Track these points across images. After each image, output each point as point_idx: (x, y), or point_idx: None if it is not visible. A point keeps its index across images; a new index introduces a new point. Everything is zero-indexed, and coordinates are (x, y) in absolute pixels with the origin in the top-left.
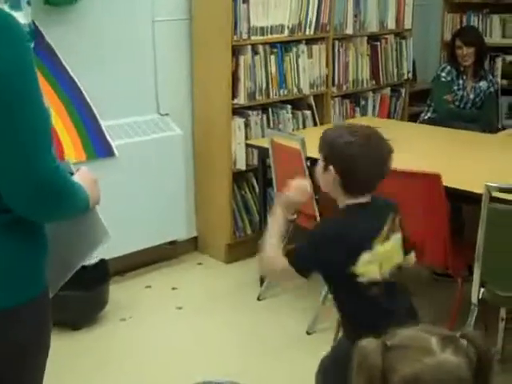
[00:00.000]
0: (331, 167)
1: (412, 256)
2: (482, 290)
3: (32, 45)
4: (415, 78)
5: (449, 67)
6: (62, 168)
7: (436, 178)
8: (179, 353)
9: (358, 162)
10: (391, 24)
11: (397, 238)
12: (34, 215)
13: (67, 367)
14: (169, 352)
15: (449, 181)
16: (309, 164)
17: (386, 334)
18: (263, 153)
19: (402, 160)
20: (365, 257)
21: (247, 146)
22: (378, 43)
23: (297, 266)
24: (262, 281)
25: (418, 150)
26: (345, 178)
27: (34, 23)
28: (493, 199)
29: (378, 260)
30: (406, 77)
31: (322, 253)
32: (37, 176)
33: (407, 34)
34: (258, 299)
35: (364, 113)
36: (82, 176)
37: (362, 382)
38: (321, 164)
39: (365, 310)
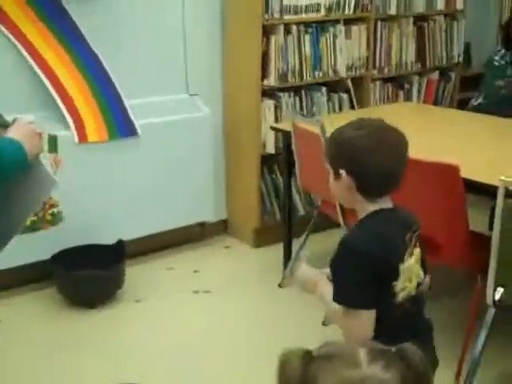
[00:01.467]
0: (342, 171)
1: (428, 279)
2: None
3: None
4: (469, 62)
5: (503, 50)
6: None
7: (453, 169)
8: (189, 337)
9: (370, 156)
10: (441, 4)
11: (417, 252)
12: None
13: (77, 344)
14: (179, 335)
15: (468, 172)
16: None
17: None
18: (288, 137)
19: (428, 149)
20: (402, 272)
21: (272, 129)
22: (426, 24)
23: (352, 305)
24: (285, 267)
25: (452, 138)
26: (360, 179)
27: None
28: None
29: (410, 274)
30: (456, 60)
31: (365, 275)
32: None
33: (459, 14)
34: (280, 286)
35: (408, 97)
36: (18, 129)
37: None
38: (331, 172)
39: (393, 329)
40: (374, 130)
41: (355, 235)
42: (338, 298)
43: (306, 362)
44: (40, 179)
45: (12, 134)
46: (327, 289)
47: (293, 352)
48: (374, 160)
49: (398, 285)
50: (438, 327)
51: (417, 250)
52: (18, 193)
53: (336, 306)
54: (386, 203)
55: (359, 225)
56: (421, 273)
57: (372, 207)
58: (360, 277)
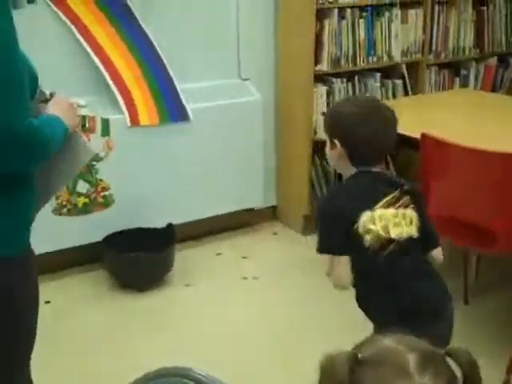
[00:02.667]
0: (336, 141)
1: (439, 251)
2: None
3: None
4: None
5: None
6: (36, 123)
7: (511, 158)
8: (236, 323)
9: (361, 131)
10: None
11: (406, 213)
12: (11, 168)
13: (126, 327)
14: (227, 321)
15: None
16: None
17: (359, 344)
18: None
19: (484, 137)
20: (366, 217)
21: (324, 114)
22: (485, 8)
23: (324, 251)
24: None
25: (509, 126)
26: (350, 149)
27: None
28: None
29: (381, 221)
30: None
31: (331, 226)
32: (9, 131)
33: None
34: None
35: (465, 84)
36: (57, 104)
37: None
38: (327, 141)
39: (376, 279)
40: (369, 109)
41: (323, 196)
42: (317, 247)
43: (351, 366)
44: (76, 150)
45: (53, 110)
46: None
47: (337, 356)
48: (364, 137)
49: (360, 226)
50: (490, 318)
51: (405, 210)
52: (55, 163)
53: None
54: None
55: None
56: (407, 229)
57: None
58: (326, 229)
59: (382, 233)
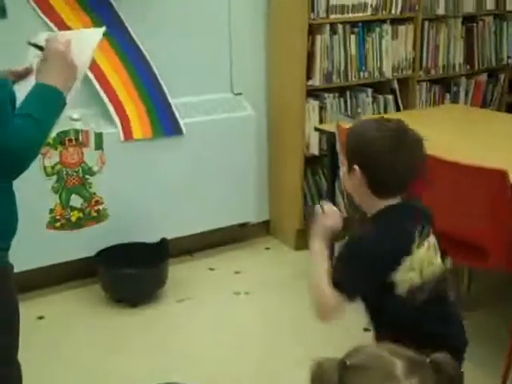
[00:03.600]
0: (356, 166)
1: (447, 262)
2: None
3: None
4: None
5: None
6: (17, 133)
7: (501, 174)
8: (229, 338)
9: (386, 158)
10: (490, 4)
11: (431, 241)
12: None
13: (119, 343)
14: (219, 336)
15: None
16: None
17: (348, 352)
18: (332, 138)
19: (474, 153)
20: (406, 263)
21: (316, 130)
22: (475, 24)
23: (347, 293)
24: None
25: (499, 142)
26: (372, 178)
27: None
28: None
29: (419, 265)
30: (505, 62)
31: (369, 271)
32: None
33: (509, 15)
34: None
35: (455, 100)
36: (53, 66)
37: None
38: (345, 165)
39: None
40: (395, 134)
41: (373, 235)
42: (335, 279)
43: (340, 372)
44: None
45: (47, 76)
46: (320, 261)
47: (326, 362)
48: (389, 165)
49: (398, 276)
50: (482, 330)
51: (430, 240)
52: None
53: (317, 281)
54: (394, 200)
55: (375, 222)
56: (435, 259)
57: (382, 204)
58: (363, 272)
59: (418, 278)
